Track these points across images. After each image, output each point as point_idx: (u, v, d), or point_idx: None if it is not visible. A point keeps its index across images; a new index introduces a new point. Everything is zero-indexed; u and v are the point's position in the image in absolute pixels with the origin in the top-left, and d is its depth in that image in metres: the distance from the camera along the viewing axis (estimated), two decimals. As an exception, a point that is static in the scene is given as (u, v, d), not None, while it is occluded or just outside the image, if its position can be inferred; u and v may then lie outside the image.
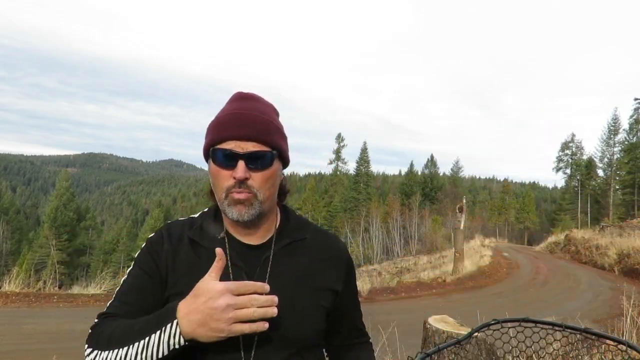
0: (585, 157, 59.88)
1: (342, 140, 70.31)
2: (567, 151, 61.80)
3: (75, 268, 54.36)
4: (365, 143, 67.19)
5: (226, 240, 1.05)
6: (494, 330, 1.35)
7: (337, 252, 1.15)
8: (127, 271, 1.07)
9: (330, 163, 70.74)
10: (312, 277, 1.07)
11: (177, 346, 0.87)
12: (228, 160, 0.97)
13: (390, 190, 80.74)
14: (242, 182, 0.96)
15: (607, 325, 6.14)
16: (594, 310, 10.08)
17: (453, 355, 1.42)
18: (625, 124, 52.51)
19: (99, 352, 0.92)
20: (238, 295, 0.85)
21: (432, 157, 71.02)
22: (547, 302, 11.27)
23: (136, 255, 1.08)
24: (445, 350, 1.34)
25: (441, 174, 74.26)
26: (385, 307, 10.54)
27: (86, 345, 0.96)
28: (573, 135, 62.13)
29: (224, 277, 0.90)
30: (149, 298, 1.01)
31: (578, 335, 1.29)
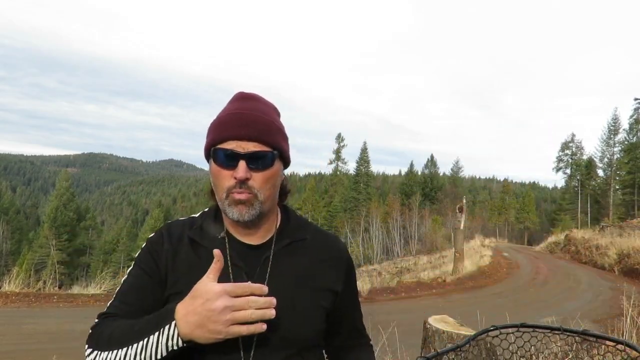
0: (585, 157, 59.99)
1: (342, 140, 70.46)
2: (567, 151, 61.89)
3: (75, 268, 54.36)
4: (365, 143, 67.39)
5: (226, 240, 1.05)
6: (493, 337, 1.35)
7: (337, 253, 1.15)
8: (127, 271, 1.07)
9: (330, 163, 70.90)
10: (312, 277, 1.07)
11: (175, 347, 0.87)
12: (229, 160, 0.97)
13: (390, 190, 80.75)
14: (242, 182, 0.96)
15: (607, 325, 6.14)
16: (594, 310, 10.08)
17: (453, 355, 1.42)
18: (625, 124, 52.68)
19: (99, 352, 0.92)
20: (236, 296, 0.85)
21: (432, 157, 71.23)
22: (547, 302, 11.28)
23: (136, 255, 1.08)
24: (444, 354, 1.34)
25: (441, 174, 74.41)
26: (385, 307, 10.54)
27: (86, 346, 0.96)
28: (573, 135, 62.34)
29: (224, 277, 0.90)
30: (149, 298, 1.01)
31: (577, 337, 1.29)
